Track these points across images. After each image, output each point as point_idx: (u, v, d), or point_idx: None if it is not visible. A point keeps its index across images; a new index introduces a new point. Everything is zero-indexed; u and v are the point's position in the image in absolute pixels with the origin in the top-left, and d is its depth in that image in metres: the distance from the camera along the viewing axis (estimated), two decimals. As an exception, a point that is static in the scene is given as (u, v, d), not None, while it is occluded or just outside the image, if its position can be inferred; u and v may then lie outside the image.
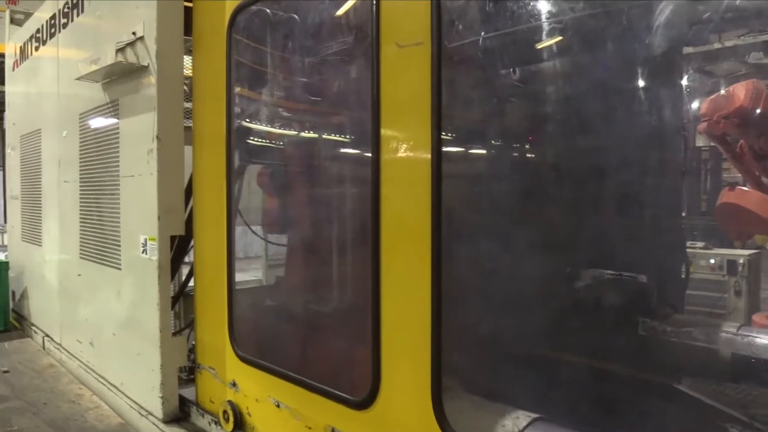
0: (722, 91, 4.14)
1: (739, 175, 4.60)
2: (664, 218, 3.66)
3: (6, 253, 7.85)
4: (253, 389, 3.47)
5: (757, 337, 3.11)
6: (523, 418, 2.38)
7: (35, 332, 6.61)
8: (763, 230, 4.66)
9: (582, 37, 3.39)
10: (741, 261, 6.83)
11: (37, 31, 6.25)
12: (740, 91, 3.98)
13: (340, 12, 3.68)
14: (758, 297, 6.87)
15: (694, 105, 4.13)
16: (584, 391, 3.06)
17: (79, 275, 5.21)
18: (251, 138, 4.40)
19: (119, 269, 4.42)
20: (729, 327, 3.24)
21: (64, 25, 5.44)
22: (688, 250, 4.13)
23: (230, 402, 3.60)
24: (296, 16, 3.84)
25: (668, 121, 3.56)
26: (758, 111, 3.94)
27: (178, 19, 3.91)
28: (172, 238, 4.01)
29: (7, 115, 7.61)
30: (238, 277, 3.82)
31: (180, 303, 5.15)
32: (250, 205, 4.62)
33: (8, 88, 7.61)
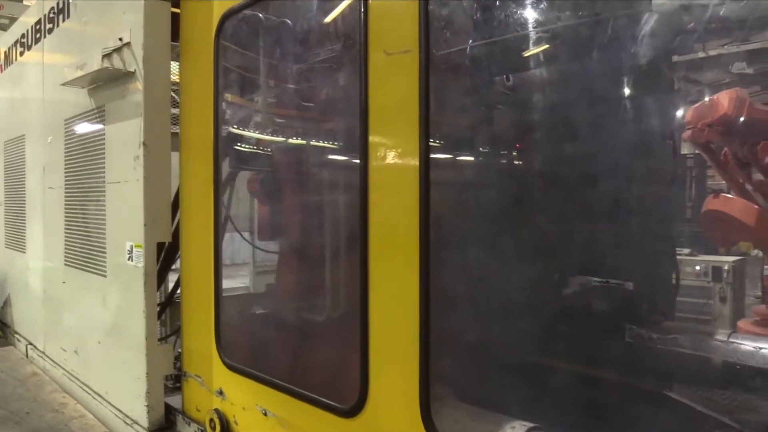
0: (706, 100, 4.19)
1: (724, 182, 4.65)
2: (655, 225, 3.68)
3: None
4: (240, 397, 3.45)
5: (747, 344, 3.13)
6: (519, 427, 2.38)
7: (18, 340, 6.52)
8: (748, 237, 4.71)
9: (570, 45, 3.42)
10: (726, 268, 6.91)
11: (22, 36, 6.19)
12: (724, 99, 4.04)
13: (328, 19, 3.69)
14: (743, 303, 6.94)
15: (680, 113, 4.17)
16: (576, 399, 3.06)
17: (64, 282, 5.16)
18: (239, 144, 4.38)
19: (105, 276, 4.38)
20: (720, 335, 3.27)
21: (50, 30, 5.39)
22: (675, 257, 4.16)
23: (217, 410, 3.57)
24: (284, 24, 3.84)
25: (661, 129, 3.59)
26: (742, 119, 3.99)
27: (165, 25, 3.89)
28: (160, 245, 3.98)
29: (-9, 120, 7.53)
30: (225, 284, 3.80)
31: (166, 310, 5.11)
32: (238, 211, 4.60)
33: (-8, 93, 7.54)
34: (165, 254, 4.24)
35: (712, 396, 3.32)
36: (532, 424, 2.39)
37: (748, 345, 3.13)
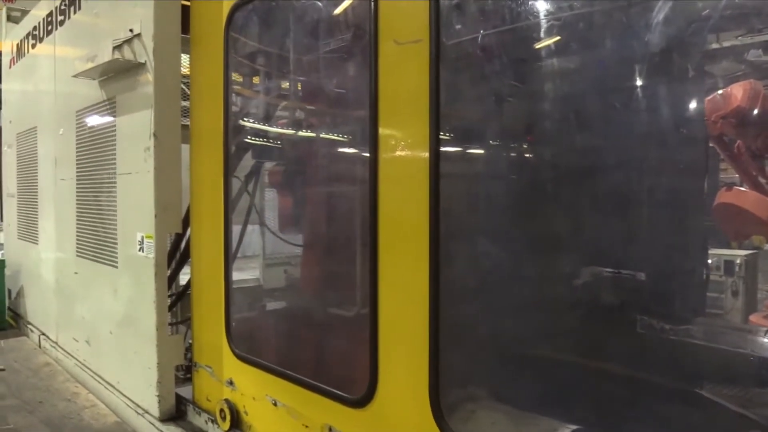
0: (720, 92, 4.13)
1: (737, 175, 4.60)
2: (686, 220, 3.58)
3: (2, 251, 7.83)
4: (250, 388, 3.46)
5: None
6: (561, 430, 2.36)
7: (31, 330, 6.59)
8: (760, 230, 4.66)
9: (585, 35, 3.35)
10: (738, 261, 6.83)
11: (34, 28, 6.23)
12: (738, 91, 3.98)
13: (339, 10, 3.67)
14: (755, 297, 6.87)
15: (701, 105, 4.11)
16: (600, 392, 3.01)
17: (76, 273, 5.20)
18: (261, 138, 4.39)
19: (116, 267, 4.41)
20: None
21: (61, 23, 5.42)
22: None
23: (227, 400, 3.59)
24: (294, 15, 3.83)
25: (694, 123, 3.51)
26: (756, 111, 3.94)
27: (175, 17, 3.90)
28: (179, 236, 4.00)
29: (4, 112, 7.58)
30: (235, 276, 3.81)
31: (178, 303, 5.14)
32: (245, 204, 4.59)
33: (5, 85, 7.60)
34: (183, 250, 4.28)
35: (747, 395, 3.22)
36: (574, 426, 2.36)
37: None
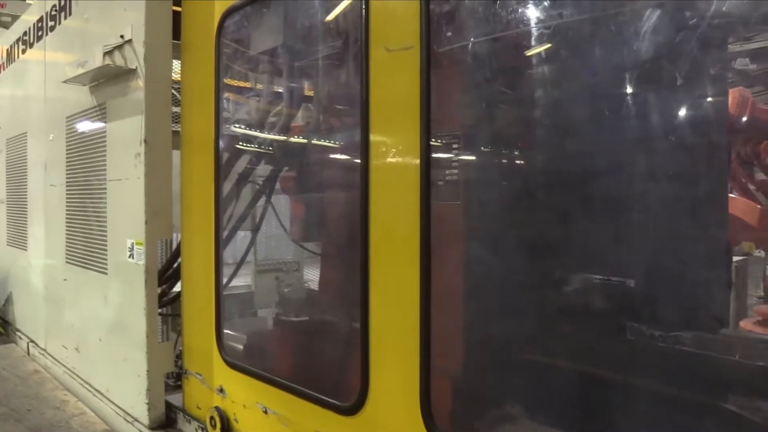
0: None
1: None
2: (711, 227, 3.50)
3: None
4: (241, 395, 3.44)
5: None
6: None
7: (20, 338, 6.53)
8: (750, 237, 4.69)
9: (579, 41, 3.33)
10: (729, 267, 6.87)
11: (24, 33, 6.20)
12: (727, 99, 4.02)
13: (330, 17, 3.67)
14: (745, 303, 6.91)
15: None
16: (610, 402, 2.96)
17: (65, 280, 5.16)
18: (241, 143, 4.36)
19: (106, 274, 4.38)
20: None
21: (52, 28, 5.40)
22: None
23: (217, 408, 3.57)
24: (284, 21, 3.82)
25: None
26: (744, 119, 3.97)
27: (166, 23, 3.89)
28: (177, 251, 3.99)
29: (-6, 118, 7.54)
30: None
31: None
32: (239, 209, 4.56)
33: (-5, 90, 7.55)
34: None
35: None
36: None
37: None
